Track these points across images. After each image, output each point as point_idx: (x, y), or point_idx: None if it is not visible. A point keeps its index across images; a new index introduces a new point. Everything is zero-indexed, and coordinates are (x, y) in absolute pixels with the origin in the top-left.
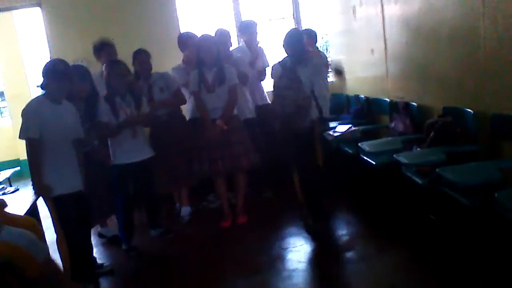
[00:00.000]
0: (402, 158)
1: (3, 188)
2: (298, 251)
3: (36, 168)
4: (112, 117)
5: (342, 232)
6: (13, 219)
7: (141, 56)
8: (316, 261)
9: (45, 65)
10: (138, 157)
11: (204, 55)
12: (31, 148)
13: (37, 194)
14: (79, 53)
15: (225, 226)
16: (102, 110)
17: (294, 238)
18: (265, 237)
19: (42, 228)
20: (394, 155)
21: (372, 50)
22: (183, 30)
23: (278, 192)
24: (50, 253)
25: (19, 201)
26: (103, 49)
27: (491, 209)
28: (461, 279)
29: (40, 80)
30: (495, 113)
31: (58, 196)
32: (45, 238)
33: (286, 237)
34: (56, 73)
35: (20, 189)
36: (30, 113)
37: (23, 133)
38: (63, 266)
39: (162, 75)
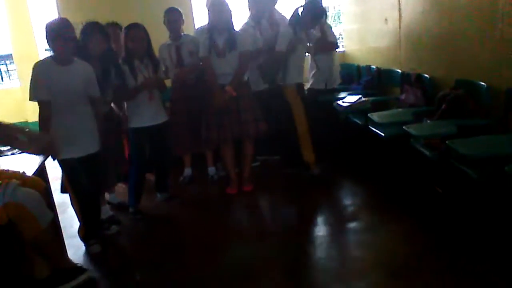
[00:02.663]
0: (411, 129)
1: (11, 149)
2: (302, 219)
3: (45, 129)
4: (131, 79)
5: (348, 202)
6: (22, 179)
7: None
8: (321, 229)
9: (46, 25)
10: (154, 121)
11: (215, 19)
12: (42, 110)
13: (45, 155)
14: (89, 15)
15: (231, 193)
16: (121, 71)
17: (299, 206)
18: (271, 205)
19: (51, 190)
20: (403, 127)
21: (386, 20)
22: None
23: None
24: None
25: (27, 161)
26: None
27: (500, 182)
28: (466, 251)
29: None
30: (509, 87)
31: (67, 159)
32: (53, 201)
33: (291, 205)
34: (58, 34)
35: None
36: (37, 75)
37: (33, 96)
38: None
39: (192, 38)
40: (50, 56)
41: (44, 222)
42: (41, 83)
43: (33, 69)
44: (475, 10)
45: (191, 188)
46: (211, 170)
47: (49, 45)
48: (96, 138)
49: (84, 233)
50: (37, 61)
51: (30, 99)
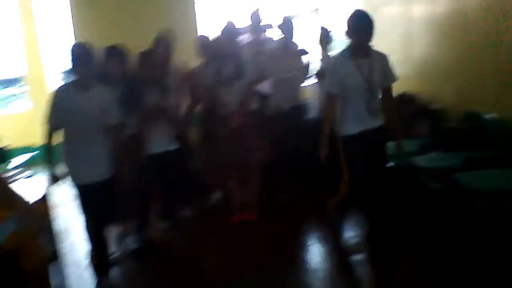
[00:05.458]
0: (417, 161)
1: (20, 173)
2: (307, 250)
3: (49, 156)
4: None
5: (352, 234)
6: (29, 207)
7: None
8: (325, 262)
9: (72, 47)
10: (164, 147)
11: (223, 48)
12: (47, 137)
13: (50, 182)
14: (103, 41)
15: (234, 221)
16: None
17: (304, 237)
18: (275, 235)
19: (53, 220)
20: (410, 158)
21: (394, 50)
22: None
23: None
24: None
25: (34, 186)
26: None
27: (508, 216)
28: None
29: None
30: None
31: (79, 185)
32: (56, 230)
33: (296, 236)
34: (77, 58)
35: (36, 174)
36: (53, 102)
37: (46, 122)
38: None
39: None
40: (71, 81)
41: (48, 252)
42: (55, 111)
43: (53, 94)
44: (481, 45)
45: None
46: (215, 195)
47: (72, 69)
48: (107, 166)
49: (96, 264)
50: (58, 86)
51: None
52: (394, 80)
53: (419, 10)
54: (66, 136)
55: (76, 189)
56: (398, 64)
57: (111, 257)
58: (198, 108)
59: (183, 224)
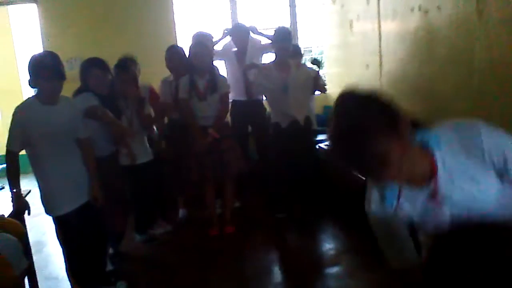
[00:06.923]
0: None
1: None
2: (284, 263)
3: (14, 180)
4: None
5: (329, 246)
6: (1, 222)
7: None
8: (302, 275)
9: (31, 59)
10: (144, 159)
11: (197, 61)
12: (8, 161)
13: (15, 209)
14: (74, 52)
15: (212, 235)
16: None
17: (281, 250)
18: (252, 248)
19: (26, 232)
20: None
21: (367, 65)
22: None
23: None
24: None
25: (3, 200)
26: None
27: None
28: None
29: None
30: None
31: (60, 216)
32: (29, 245)
33: (273, 249)
34: (43, 69)
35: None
36: (15, 122)
37: (7, 142)
38: None
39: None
40: (34, 95)
41: (19, 269)
42: (17, 132)
43: (14, 112)
44: (453, 62)
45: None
46: (182, 212)
47: (34, 81)
48: (86, 186)
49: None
50: (21, 102)
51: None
52: None
53: (391, 26)
54: (36, 158)
55: (60, 220)
56: (372, 79)
57: None
58: (165, 121)
59: (158, 237)
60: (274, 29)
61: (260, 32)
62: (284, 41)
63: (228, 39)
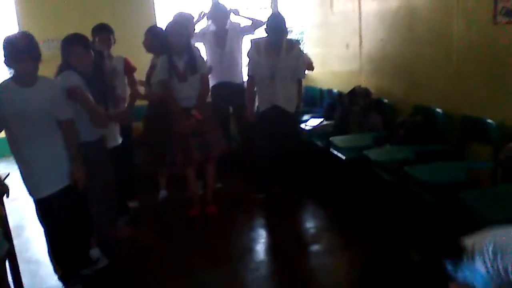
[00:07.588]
0: (371, 154)
1: None
2: (266, 242)
3: None
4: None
5: (310, 225)
6: None
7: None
8: (283, 253)
9: (4, 39)
10: (119, 140)
11: (174, 41)
12: None
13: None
14: (51, 33)
15: (194, 215)
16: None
17: (263, 229)
18: (234, 228)
19: (6, 215)
20: (363, 151)
21: (347, 45)
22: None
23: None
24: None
25: None
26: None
27: (455, 208)
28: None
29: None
30: (465, 115)
31: (40, 198)
32: (9, 228)
33: (255, 228)
34: (19, 50)
35: None
36: None
37: None
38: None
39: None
40: (10, 77)
41: (2, 250)
42: None
43: None
44: (432, 42)
45: (153, 210)
46: (163, 193)
47: (8, 63)
48: (68, 168)
49: (62, 273)
50: None
51: None
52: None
53: (372, 6)
54: (15, 141)
55: (40, 203)
56: (352, 58)
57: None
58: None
59: (140, 218)
60: (268, 17)
61: (242, 15)
62: (277, 31)
63: (206, 21)
